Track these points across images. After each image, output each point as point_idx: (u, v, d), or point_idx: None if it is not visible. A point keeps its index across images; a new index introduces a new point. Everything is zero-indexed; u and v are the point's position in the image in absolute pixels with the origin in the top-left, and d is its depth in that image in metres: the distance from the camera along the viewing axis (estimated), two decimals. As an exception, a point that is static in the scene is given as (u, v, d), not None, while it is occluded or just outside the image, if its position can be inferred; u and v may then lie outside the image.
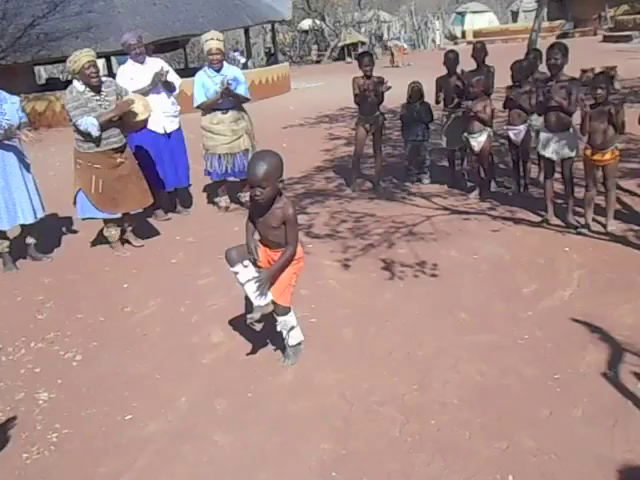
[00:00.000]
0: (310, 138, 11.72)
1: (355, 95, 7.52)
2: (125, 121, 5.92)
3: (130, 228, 6.41)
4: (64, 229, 7.22)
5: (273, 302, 3.84)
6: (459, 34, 40.51)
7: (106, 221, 6.25)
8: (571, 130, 5.83)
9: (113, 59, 20.61)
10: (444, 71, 7.60)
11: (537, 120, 6.54)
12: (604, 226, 5.80)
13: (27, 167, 6.00)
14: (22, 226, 6.14)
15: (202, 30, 17.42)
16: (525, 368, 3.80)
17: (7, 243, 6.08)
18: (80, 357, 4.42)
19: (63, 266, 6.18)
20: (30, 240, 6.27)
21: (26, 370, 4.30)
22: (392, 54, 27.89)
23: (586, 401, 3.44)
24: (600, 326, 4.17)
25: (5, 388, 4.09)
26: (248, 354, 4.20)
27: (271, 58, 26.79)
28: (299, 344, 4.10)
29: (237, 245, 3.87)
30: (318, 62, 34.94)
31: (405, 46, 31.15)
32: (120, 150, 5.98)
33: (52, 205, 6.91)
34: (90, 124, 5.60)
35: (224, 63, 6.99)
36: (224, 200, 7.48)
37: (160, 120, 6.83)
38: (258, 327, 4.32)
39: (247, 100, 7.16)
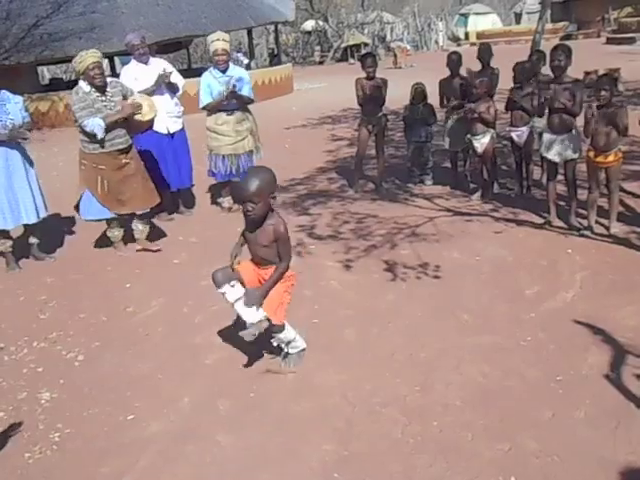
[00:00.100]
0: (313, 139, 11.73)
1: (358, 96, 7.53)
2: (130, 121, 5.91)
3: (145, 235, 6.29)
4: (67, 229, 7.23)
5: (267, 319, 3.80)
6: (462, 36, 40.50)
7: (109, 222, 6.25)
8: (574, 132, 5.82)
9: (116, 59, 20.65)
10: (447, 73, 7.61)
11: (540, 122, 6.54)
12: (607, 228, 5.80)
13: (30, 167, 6.00)
14: (25, 226, 6.14)
15: (205, 31, 17.52)
16: (528, 370, 3.80)
17: (10, 243, 6.09)
18: (82, 357, 4.42)
19: (66, 266, 6.18)
20: (33, 240, 6.28)
21: (28, 370, 4.30)
22: (395, 55, 27.90)
23: (588, 403, 3.44)
24: (603, 328, 4.17)
25: (7, 387, 4.10)
26: (251, 355, 4.19)
27: (274, 59, 26.83)
28: (302, 351, 4.08)
29: (223, 267, 3.88)
30: (321, 63, 34.95)
31: (408, 47, 31.13)
32: (125, 151, 5.96)
33: (55, 205, 6.92)
34: (97, 125, 5.59)
35: (230, 64, 7.01)
36: (227, 201, 7.48)
37: (163, 121, 6.84)
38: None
39: (252, 101, 7.17)
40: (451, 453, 3.14)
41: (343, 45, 35.00)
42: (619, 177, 5.86)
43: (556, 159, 5.92)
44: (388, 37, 37.32)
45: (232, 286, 3.83)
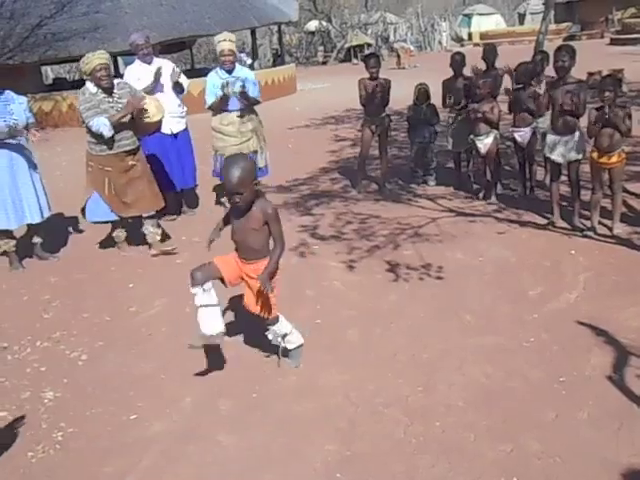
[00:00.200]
0: (316, 139, 11.73)
1: (361, 96, 7.53)
2: (138, 123, 5.87)
3: (158, 239, 6.23)
4: (70, 229, 7.24)
5: (266, 317, 3.79)
6: (466, 36, 40.49)
7: (114, 223, 6.24)
8: (578, 133, 5.82)
9: (120, 59, 20.66)
10: (450, 73, 7.61)
11: (543, 122, 6.54)
12: (610, 229, 5.79)
13: (34, 167, 6.01)
14: (29, 225, 6.15)
15: (209, 31, 17.55)
16: (531, 371, 3.80)
17: (13, 242, 6.10)
18: (86, 356, 4.43)
19: (69, 265, 6.19)
20: (36, 239, 6.29)
21: (32, 369, 4.31)
22: (398, 56, 27.90)
23: (591, 404, 3.43)
24: (606, 329, 4.17)
25: (11, 387, 4.10)
26: (253, 355, 4.20)
27: (277, 59, 26.84)
28: (299, 347, 4.08)
29: (205, 265, 3.82)
30: (324, 63, 34.96)
31: (411, 48, 31.14)
32: (133, 152, 5.92)
33: (58, 205, 6.93)
34: (102, 124, 5.57)
35: (236, 64, 7.02)
36: (230, 201, 7.47)
37: (167, 121, 6.82)
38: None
39: (258, 102, 7.17)
40: (453, 454, 3.14)
41: (346, 45, 35.00)
42: (622, 178, 5.85)
43: (560, 160, 5.91)
44: (391, 38, 37.30)
45: (205, 290, 3.75)
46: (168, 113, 6.83)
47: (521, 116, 6.79)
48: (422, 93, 7.86)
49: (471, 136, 6.99)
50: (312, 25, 38.76)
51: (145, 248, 6.28)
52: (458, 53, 7.75)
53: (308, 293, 5.10)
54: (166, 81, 6.89)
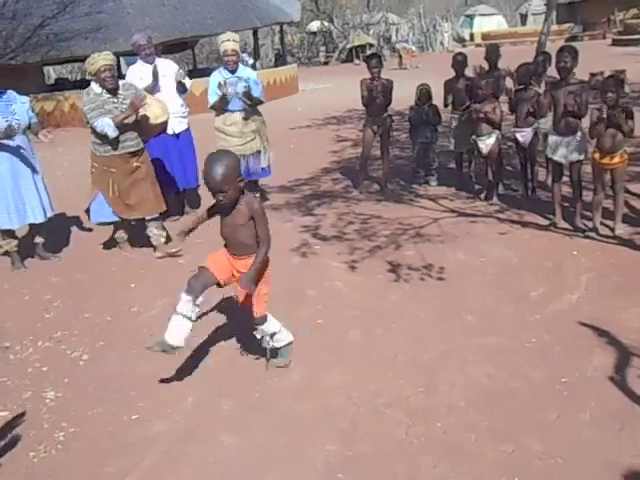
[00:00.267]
0: (317, 139, 11.74)
1: (363, 97, 7.53)
2: (143, 125, 5.85)
3: (163, 241, 6.21)
4: (72, 229, 7.24)
5: (256, 314, 3.76)
6: (467, 37, 40.47)
7: (116, 224, 6.24)
8: (580, 134, 5.81)
9: (122, 59, 20.67)
10: (452, 74, 7.61)
11: (545, 123, 6.53)
12: (612, 230, 5.79)
13: (36, 167, 6.01)
14: (30, 225, 6.15)
15: (211, 31, 17.55)
16: (532, 371, 3.79)
17: (15, 242, 6.10)
18: (87, 356, 4.43)
19: (71, 265, 6.19)
20: (38, 239, 6.29)
21: (33, 369, 4.31)
22: (400, 56, 27.92)
23: (593, 405, 3.43)
24: (608, 330, 4.16)
25: (13, 386, 4.11)
26: (255, 355, 4.20)
27: (279, 59, 26.84)
28: (289, 344, 4.01)
29: (202, 272, 3.75)
30: (326, 64, 34.96)
31: (413, 48, 31.18)
32: (137, 154, 5.90)
33: (60, 205, 6.93)
34: (106, 125, 5.56)
35: (239, 64, 7.02)
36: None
37: (169, 121, 6.84)
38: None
39: (261, 102, 7.17)
40: (455, 454, 3.14)
41: (348, 46, 35.01)
42: (624, 179, 5.85)
43: (562, 160, 5.91)
44: (393, 38, 37.33)
45: (195, 304, 3.70)
46: (170, 113, 6.84)
47: (522, 116, 6.77)
48: (424, 93, 7.86)
49: (473, 136, 6.98)
50: (314, 25, 38.78)
51: (150, 250, 6.28)
52: (460, 54, 7.76)
53: (310, 293, 5.10)
54: (169, 81, 6.90)
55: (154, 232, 6.16)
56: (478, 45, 34.17)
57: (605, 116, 5.42)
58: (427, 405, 3.55)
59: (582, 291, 4.79)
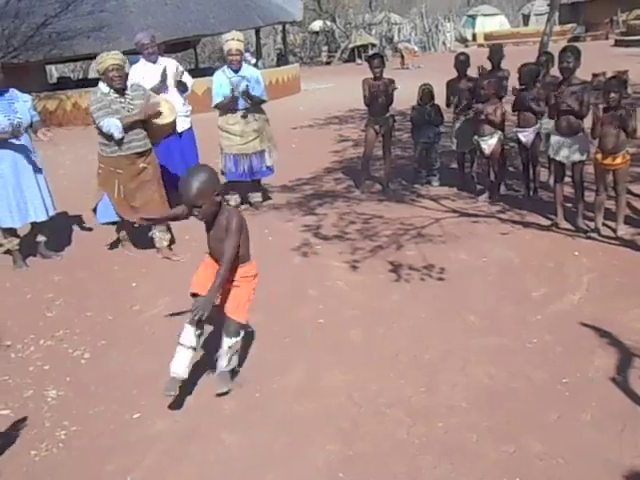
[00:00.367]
0: (319, 139, 11.74)
1: (365, 97, 7.53)
2: (150, 125, 5.81)
3: (166, 243, 6.20)
4: (74, 227, 7.25)
5: (235, 322, 3.64)
6: (470, 37, 40.47)
7: (121, 224, 6.23)
8: (582, 134, 5.81)
9: (124, 59, 20.71)
10: (454, 74, 7.60)
11: (548, 123, 6.53)
12: (614, 230, 5.78)
13: (38, 165, 6.01)
14: (32, 224, 6.16)
15: (213, 31, 17.58)
16: (534, 372, 3.79)
17: (17, 241, 6.11)
18: (89, 355, 4.44)
19: (73, 264, 6.20)
20: (40, 238, 6.30)
21: (35, 367, 4.31)
22: (402, 56, 27.92)
23: (595, 405, 3.43)
24: (609, 330, 4.16)
25: (14, 385, 4.11)
26: (256, 355, 4.20)
27: (281, 59, 26.85)
28: (235, 372, 3.87)
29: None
30: (328, 63, 34.97)
31: (415, 48, 31.14)
32: (144, 154, 5.87)
33: (62, 203, 6.94)
34: (113, 125, 5.53)
35: (243, 64, 7.03)
36: (234, 199, 7.48)
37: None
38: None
39: (264, 102, 7.17)
40: (456, 454, 3.14)
41: (350, 46, 35.02)
42: (627, 179, 5.84)
43: (564, 161, 5.91)
44: (395, 38, 37.33)
45: (197, 335, 3.63)
46: (174, 112, 6.86)
47: (525, 117, 6.77)
48: (426, 93, 7.86)
49: (475, 137, 6.98)
50: (316, 25, 38.81)
51: (153, 251, 6.27)
52: (462, 54, 7.75)
53: (311, 293, 5.10)
54: (170, 80, 6.91)
55: (157, 235, 6.16)
56: (480, 45, 34.19)
57: (601, 114, 5.42)
58: (428, 405, 3.55)
59: (584, 292, 4.79)
